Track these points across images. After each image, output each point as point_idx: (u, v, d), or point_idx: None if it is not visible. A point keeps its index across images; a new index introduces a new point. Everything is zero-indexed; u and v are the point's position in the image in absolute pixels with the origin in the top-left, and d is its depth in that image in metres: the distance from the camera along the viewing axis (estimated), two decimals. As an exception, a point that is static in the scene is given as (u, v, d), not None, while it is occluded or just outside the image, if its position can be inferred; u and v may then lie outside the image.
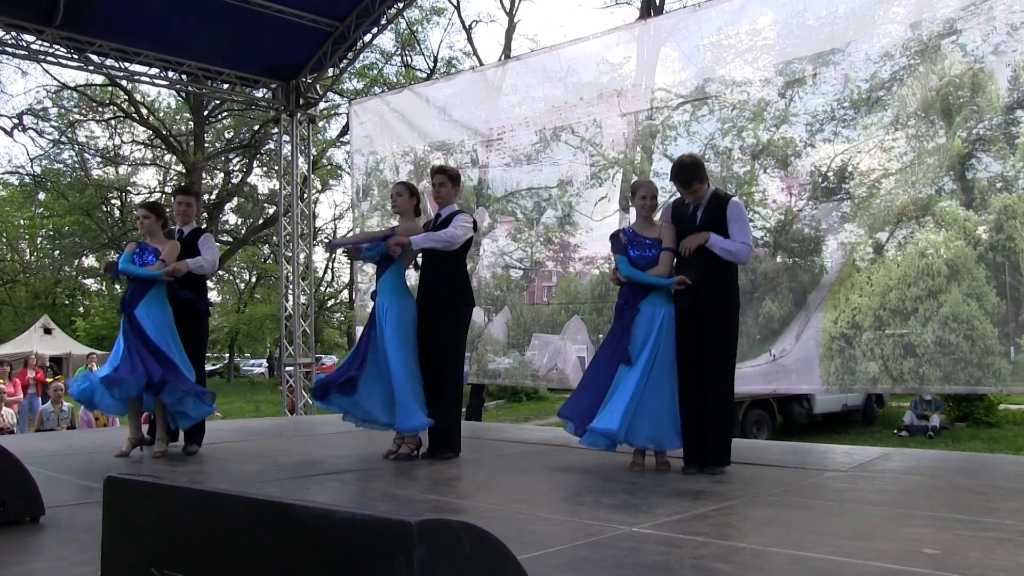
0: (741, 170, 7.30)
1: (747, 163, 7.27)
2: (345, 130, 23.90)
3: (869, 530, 3.33)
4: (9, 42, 9.16)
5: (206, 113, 27.58)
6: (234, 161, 31.00)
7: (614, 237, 5.15)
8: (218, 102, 24.99)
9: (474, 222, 5.69)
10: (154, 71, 10.34)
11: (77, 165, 30.71)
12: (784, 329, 6.89)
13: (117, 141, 31.13)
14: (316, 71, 10.84)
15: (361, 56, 19.87)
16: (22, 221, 34.55)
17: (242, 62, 10.45)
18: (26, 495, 3.39)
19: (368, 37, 10.86)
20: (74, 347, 22.39)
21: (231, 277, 38.63)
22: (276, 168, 12.87)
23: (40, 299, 33.18)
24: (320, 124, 25.84)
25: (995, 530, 3.31)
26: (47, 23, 8.86)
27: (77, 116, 28.86)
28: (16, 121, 26.52)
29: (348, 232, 26.60)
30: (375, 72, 26.48)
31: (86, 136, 30.36)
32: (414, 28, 26.09)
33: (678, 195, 5.06)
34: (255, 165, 30.11)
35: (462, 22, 26.77)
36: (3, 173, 32.80)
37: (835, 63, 6.76)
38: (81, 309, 35.39)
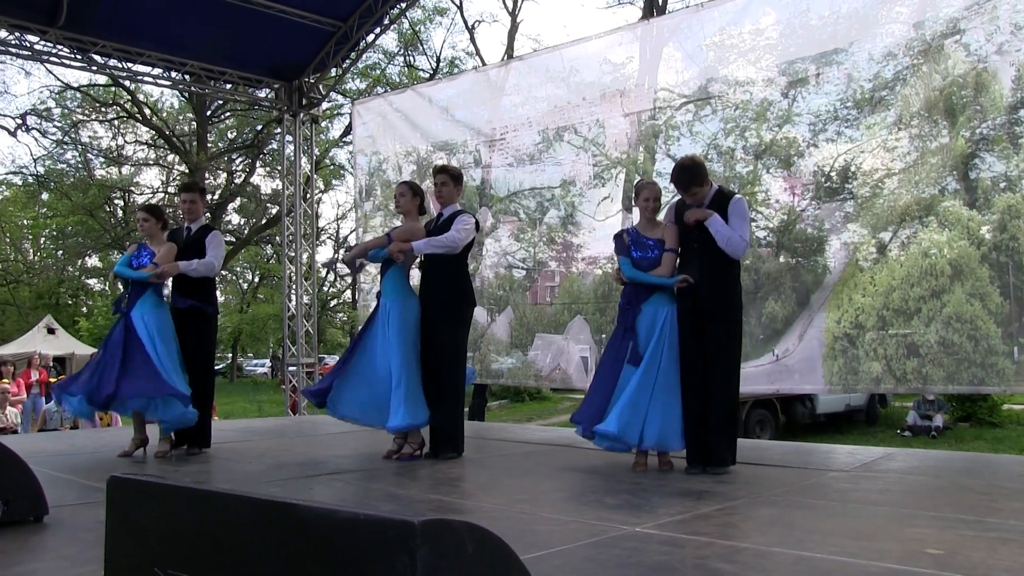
0: (744, 170, 7.30)
1: (750, 163, 7.26)
2: (348, 130, 23.89)
3: (872, 530, 3.33)
4: (13, 43, 9.17)
5: (209, 113, 27.65)
6: (237, 161, 31.07)
7: (618, 238, 5.17)
8: (221, 102, 25.05)
9: (476, 222, 5.69)
10: (157, 71, 10.35)
11: (80, 165, 30.78)
12: (787, 329, 6.88)
13: (120, 141, 31.21)
14: (319, 71, 10.84)
15: (364, 56, 19.87)
16: (26, 221, 34.62)
17: (245, 62, 10.46)
18: (30, 495, 3.40)
19: (371, 37, 10.85)
20: (77, 347, 22.39)
21: (234, 277, 38.70)
22: (279, 168, 12.87)
23: (43, 299, 33.21)
24: (323, 124, 25.85)
25: (999, 530, 3.30)
26: (51, 23, 8.87)
27: (80, 116, 28.93)
28: (20, 121, 26.61)
29: (351, 233, 26.60)
30: (378, 72, 26.51)
31: (89, 136, 30.47)
32: (417, 28, 26.13)
33: (681, 195, 5.06)
34: (258, 165, 30.19)
35: (465, 22, 26.83)
36: (7, 173, 32.98)
37: (838, 63, 6.75)
38: (84, 309, 35.39)
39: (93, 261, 35.52)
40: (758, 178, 7.21)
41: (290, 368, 11.14)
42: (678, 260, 4.99)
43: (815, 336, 6.70)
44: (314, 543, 1.59)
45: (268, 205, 30.58)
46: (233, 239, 30.20)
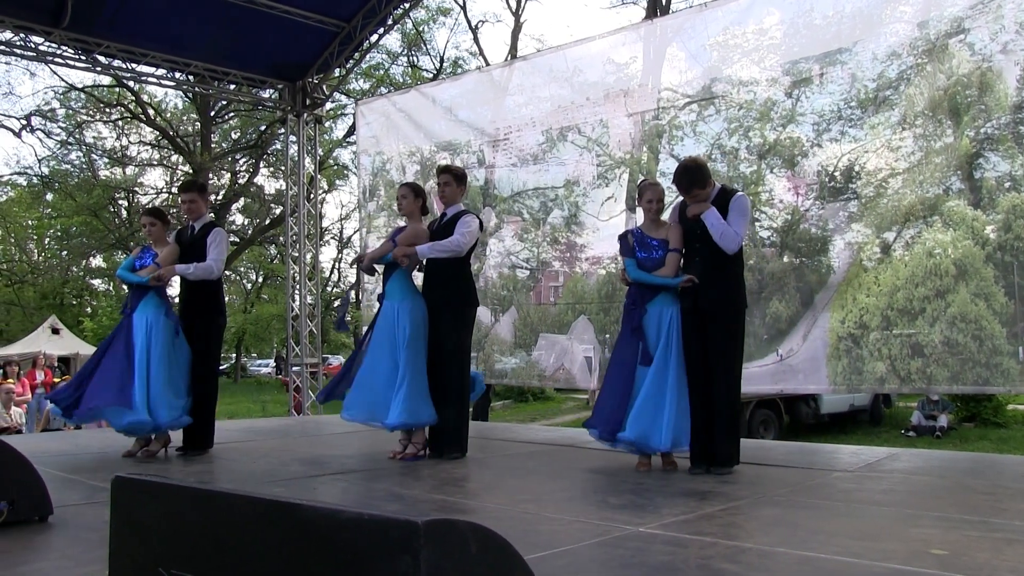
0: (748, 170, 7.29)
1: (754, 163, 7.25)
2: (351, 130, 23.94)
3: (876, 531, 3.32)
4: (18, 44, 9.21)
5: (213, 114, 27.67)
6: (241, 161, 31.11)
7: (622, 239, 5.18)
8: (225, 103, 25.07)
9: (480, 222, 5.70)
10: (161, 72, 10.37)
11: (84, 166, 30.84)
12: (791, 329, 6.87)
13: (124, 142, 31.32)
14: (322, 71, 10.85)
15: (367, 56, 19.87)
16: (30, 222, 34.72)
17: (248, 63, 10.47)
18: (34, 495, 3.40)
19: (374, 37, 10.85)
20: (82, 347, 22.43)
21: (238, 277, 38.74)
22: (283, 168, 12.87)
23: (48, 299, 33.27)
24: (326, 124, 25.89)
25: (1004, 531, 3.29)
26: (55, 24, 8.89)
27: (85, 117, 29.01)
28: (24, 122, 26.68)
29: (354, 233, 26.63)
30: (381, 72, 26.53)
31: (93, 137, 30.54)
32: (420, 28, 26.15)
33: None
34: (262, 165, 30.21)
35: (468, 22, 26.88)
36: (11, 174, 33.00)
37: (842, 62, 6.74)
38: (89, 309, 35.46)
39: (97, 261, 35.57)
40: (762, 178, 7.20)
41: (294, 368, 11.15)
42: (682, 260, 4.99)
43: (819, 336, 6.69)
44: (317, 543, 1.59)
45: (272, 205, 30.62)
46: (237, 239, 30.25)
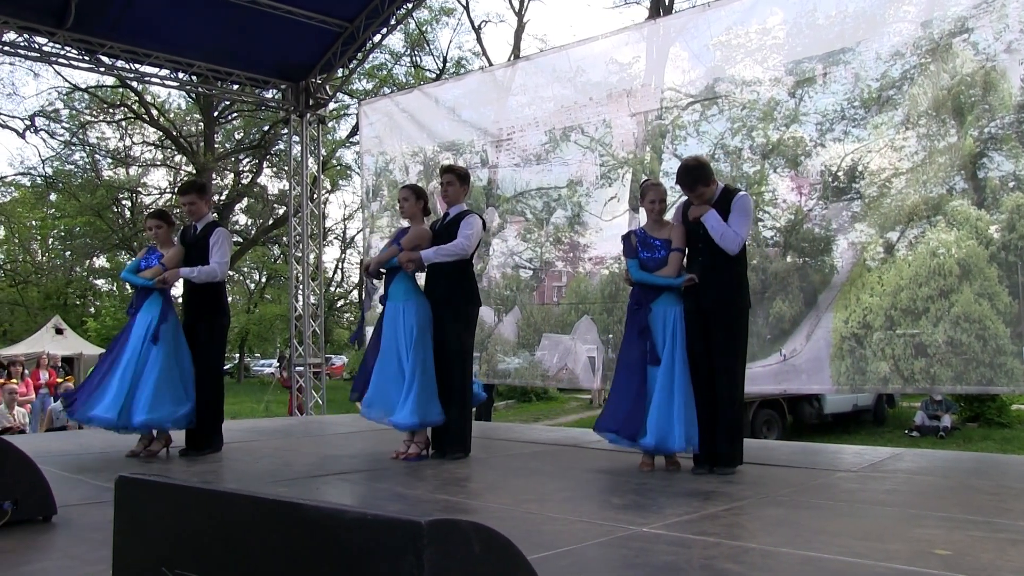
0: (751, 170, 7.28)
1: (757, 163, 7.24)
2: (355, 130, 23.95)
3: (880, 531, 3.32)
4: (22, 44, 9.23)
5: (216, 114, 27.70)
6: (244, 162, 31.15)
7: (625, 240, 5.19)
8: (228, 103, 25.08)
9: (483, 222, 5.70)
10: (164, 72, 10.39)
11: (88, 166, 30.92)
12: (794, 329, 6.86)
13: (128, 142, 31.38)
14: (326, 72, 10.86)
15: (370, 57, 19.87)
16: (34, 222, 34.78)
17: (252, 63, 10.49)
18: (38, 494, 3.41)
19: (377, 38, 10.86)
20: (85, 347, 22.48)
21: (241, 278, 38.77)
22: (286, 169, 12.88)
23: (52, 299, 33.35)
24: (330, 125, 25.95)
25: (1008, 531, 3.29)
26: (59, 25, 8.91)
27: (88, 117, 29.07)
28: (28, 123, 26.74)
29: (357, 233, 26.64)
30: (384, 72, 26.55)
31: (97, 137, 30.61)
32: (423, 28, 26.16)
33: (689, 195, 5.06)
34: (265, 166, 30.28)
35: (471, 22, 26.88)
36: (15, 174, 33.05)
37: (845, 62, 6.73)
38: (92, 309, 35.55)
39: (101, 262, 35.66)
40: (765, 178, 7.19)
41: (297, 368, 11.15)
42: (685, 260, 4.99)
43: (822, 336, 6.68)
44: (321, 543, 1.59)
45: (275, 205, 30.67)
46: (240, 239, 30.29)
